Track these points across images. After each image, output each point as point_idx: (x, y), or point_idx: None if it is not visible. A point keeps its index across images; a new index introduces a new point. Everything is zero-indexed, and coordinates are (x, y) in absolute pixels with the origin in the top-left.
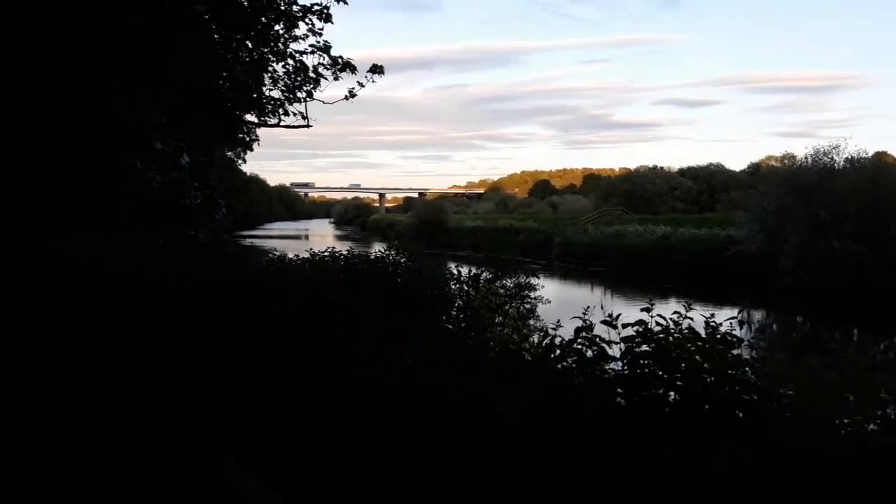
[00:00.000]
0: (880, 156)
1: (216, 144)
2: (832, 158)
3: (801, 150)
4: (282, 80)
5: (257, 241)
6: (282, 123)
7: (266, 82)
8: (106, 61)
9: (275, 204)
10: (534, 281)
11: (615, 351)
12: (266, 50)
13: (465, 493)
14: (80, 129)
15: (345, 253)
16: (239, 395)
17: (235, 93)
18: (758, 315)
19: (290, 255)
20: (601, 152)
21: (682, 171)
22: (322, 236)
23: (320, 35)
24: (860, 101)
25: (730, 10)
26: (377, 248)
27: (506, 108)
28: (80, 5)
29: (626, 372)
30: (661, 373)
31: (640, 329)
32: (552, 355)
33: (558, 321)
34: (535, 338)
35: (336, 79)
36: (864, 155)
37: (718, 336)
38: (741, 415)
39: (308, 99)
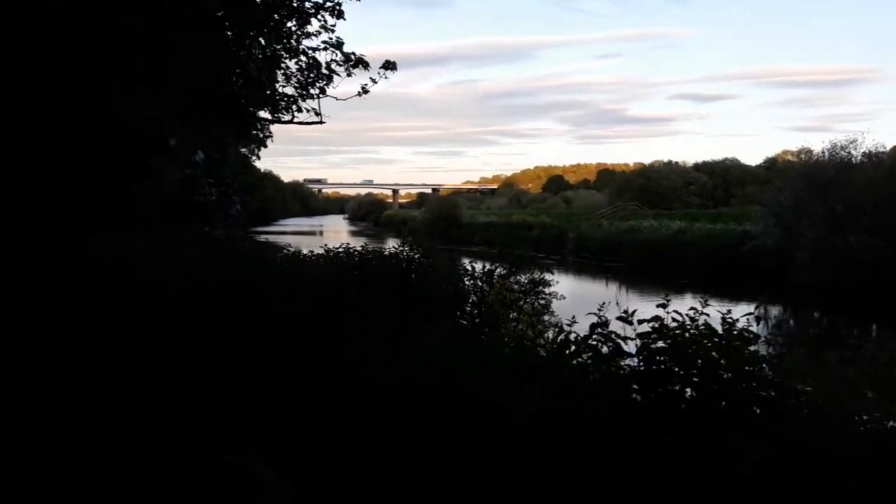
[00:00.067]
0: None
1: (230, 141)
2: (849, 152)
3: (818, 144)
4: (295, 76)
5: (272, 238)
6: (295, 120)
7: (279, 79)
8: (110, 61)
9: (289, 200)
10: (548, 276)
11: (631, 347)
12: (279, 47)
13: (478, 491)
14: (88, 128)
15: (359, 249)
16: (265, 395)
17: (249, 90)
18: (774, 310)
19: (305, 251)
20: (615, 147)
21: (697, 166)
22: (336, 232)
23: (333, 31)
24: (877, 94)
25: (744, 3)
26: (391, 244)
27: (519, 104)
28: (83, 5)
29: (642, 368)
30: (677, 369)
31: (656, 325)
32: (567, 351)
33: (573, 317)
34: (550, 334)
35: (349, 75)
36: (881, 149)
37: (735, 332)
38: (758, 411)
39: (321, 95)
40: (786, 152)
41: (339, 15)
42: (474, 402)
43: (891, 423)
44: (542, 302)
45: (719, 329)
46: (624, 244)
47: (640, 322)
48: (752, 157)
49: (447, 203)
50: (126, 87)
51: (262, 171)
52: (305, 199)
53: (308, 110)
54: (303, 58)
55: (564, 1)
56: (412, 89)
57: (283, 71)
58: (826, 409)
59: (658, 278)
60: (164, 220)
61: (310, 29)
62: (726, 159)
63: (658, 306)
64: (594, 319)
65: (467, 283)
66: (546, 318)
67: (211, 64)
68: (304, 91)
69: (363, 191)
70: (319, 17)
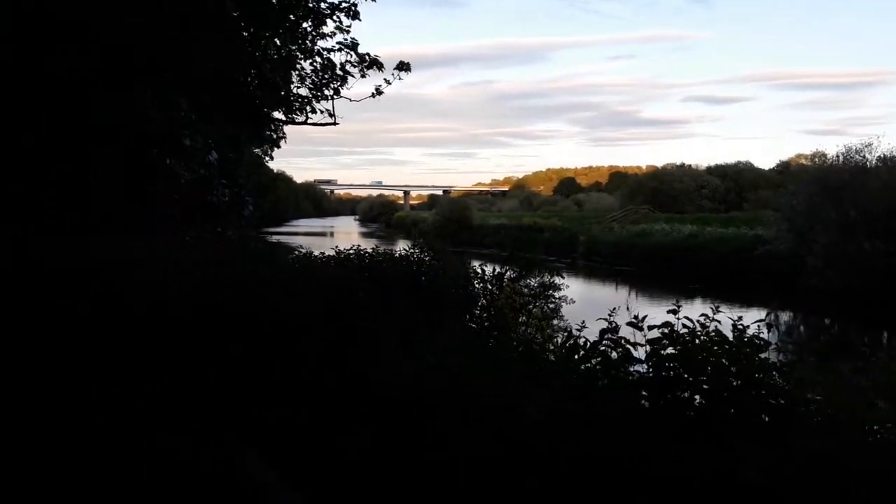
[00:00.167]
0: None
1: (244, 142)
2: (864, 157)
3: (832, 148)
4: (309, 77)
5: (284, 238)
6: (309, 121)
7: (294, 80)
8: (116, 61)
9: (301, 201)
10: (558, 280)
11: (640, 353)
12: (294, 48)
13: (484, 494)
14: (93, 128)
15: (369, 251)
16: (267, 396)
17: (263, 90)
18: (785, 316)
19: (316, 252)
20: (628, 149)
21: (709, 169)
22: (347, 233)
23: (348, 32)
24: (894, 97)
25: (758, 5)
26: (402, 246)
27: (532, 105)
28: (87, 4)
29: (651, 374)
30: (686, 376)
31: (666, 331)
32: (576, 356)
33: (583, 322)
34: (559, 338)
35: (363, 76)
36: None
37: (746, 339)
38: (768, 420)
39: (335, 96)
40: (799, 156)
41: (355, 16)
42: (484, 404)
43: None
44: (551, 306)
45: (730, 335)
46: (635, 248)
47: (651, 328)
48: (766, 160)
49: (458, 205)
50: (137, 88)
51: (275, 171)
52: (318, 200)
53: (322, 111)
54: (318, 59)
55: (578, 2)
56: (425, 90)
57: (297, 72)
58: (837, 418)
59: (669, 282)
60: (176, 221)
61: (325, 30)
62: (739, 162)
63: (668, 312)
64: (604, 324)
65: (477, 286)
66: (555, 322)
67: (226, 65)
68: (318, 92)
69: (374, 192)
70: (335, 17)
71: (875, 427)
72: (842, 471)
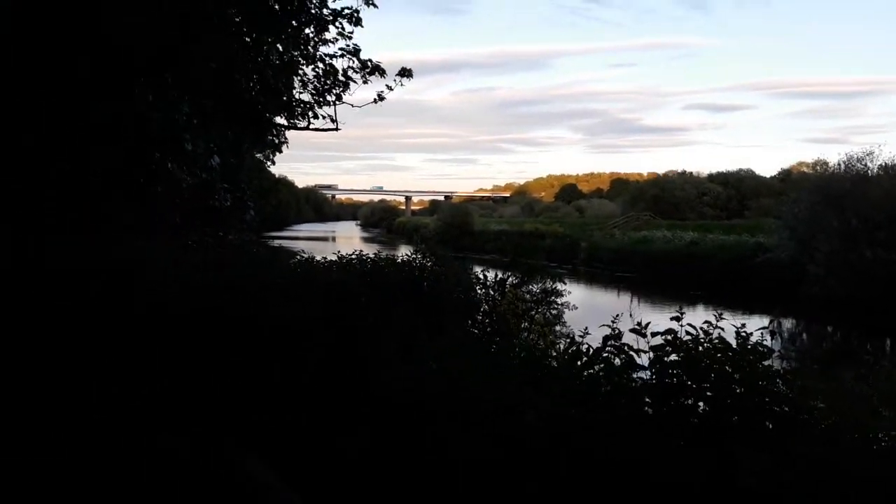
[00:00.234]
0: None
1: (246, 146)
2: (865, 165)
3: (834, 156)
4: (311, 83)
5: (286, 243)
6: (311, 126)
7: (296, 85)
8: (118, 63)
9: (303, 205)
10: (560, 286)
11: (643, 360)
12: (296, 53)
13: (483, 498)
14: (98, 129)
15: (371, 256)
16: (266, 399)
17: (266, 96)
18: (787, 324)
19: (318, 257)
20: (629, 157)
21: (711, 177)
22: (349, 238)
23: (350, 38)
24: (893, 106)
25: (759, 13)
26: (403, 251)
27: (533, 112)
28: (90, 5)
29: (655, 381)
30: (690, 383)
31: (670, 338)
32: (579, 362)
33: (586, 328)
34: (562, 345)
35: (365, 82)
36: None
37: (749, 346)
38: (771, 427)
39: (337, 102)
40: (801, 164)
41: (357, 22)
42: (484, 409)
43: None
44: (553, 312)
45: (733, 343)
46: (636, 254)
47: (654, 335)
48: (767, 168)
49: (459, 210)
50: (137, 88)
51: (276, 176)
52: (319, 205)
53: (324, 117)
54: (320, 64)
55: (580, 10)
56: (427, 96)
57: (300, 77)
58: (840, 425)
59: (670, 289)
60: (177, 224)
61: (327, 36)
62: (741, 170)
63: (672, 318)
64: (606, 331)
65: (479, 291)
66: (558, 328)
67: (227, 66)
68: (320, 98)
69: (375, 197)
70: (337, 24)
71: (880, 435)
72: (843, 478)
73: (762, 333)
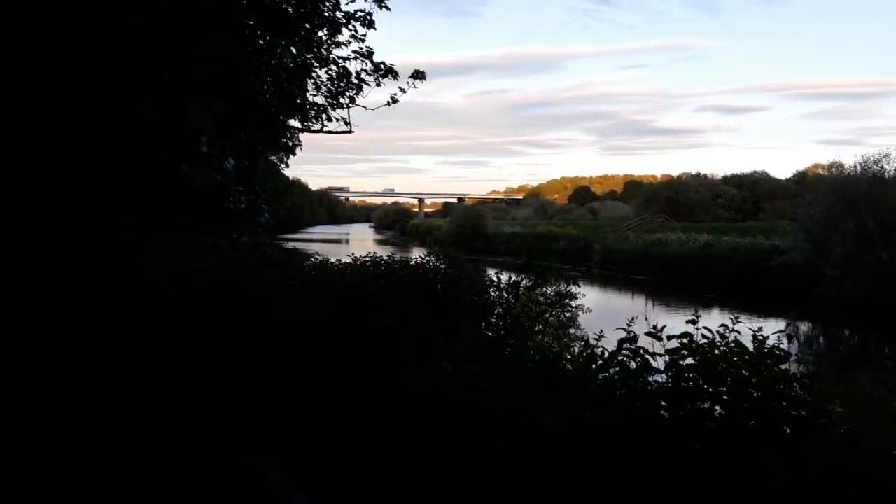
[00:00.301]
0: None
1: (260, 149)
2: (882, 167)
3: (849, 157)
4: (325, 85)
5: (300, 245)
6: (325, 129)
7: (309, 88)
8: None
9: (316, 208)
10: (574, 289)
11: (659, 363)
12: (310, 56)
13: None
14: (102, 128)
15: (385, 258)
16: (280, 400)
17: (279, 98)
18: (803, 327)
19: (332, 259)
20: (643, 158)
21: (725, 179)
22: (362, 240)
23: (363, 41)
24: None
25: (772, 14)
26: (417, 254)
27: (546, 114)
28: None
29: (671, 385)
30: (706, 386)
31: (686, 341)
32: (594, 366)
33: (601, 331)
34: (576, 348)
35: (378, 85)
36: None
37: (766, 350)
38: (788, 431)
39: (351, 105)
40: (816, 166)
41: (370, 25)
42: (500, 412)
43: None
44: (567, 315)
45: (749, 346)
46: (650, 257)
47: (670, 338)
48: (782, 170)
49: (473, 213)
50: (137, 88)
51: (290, 178)
52: (332, 207)
53: (337, 119)
54: (333, 67)
55: (592, 12)
56: (439, 99)
57: (313, 80)
58: (859, 430)
59: (684, 292)
60: (189, 225)
61: (340, 38)
62: (755, 172)
63: (688, 322)
64: (621, 334)
65: (493, 294)
66: (572, 331)
67: (230, 67)
68: (334, 100)
69: (388, 199)
70: (350, 26)
71: None
72: (862, 483)
73: (779, 337)
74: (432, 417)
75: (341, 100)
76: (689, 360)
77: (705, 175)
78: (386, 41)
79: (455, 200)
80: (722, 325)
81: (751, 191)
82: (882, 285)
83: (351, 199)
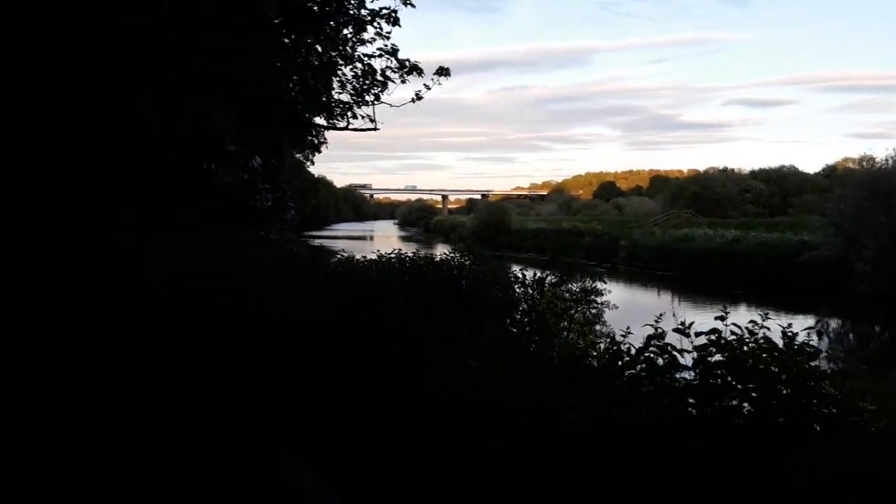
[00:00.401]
0: None
1: (286, 147)
2: None
3: (881, 151)
4: (350, 83)
5: (326, 242)
6: (350, 127)
7: (335, 86)
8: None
9: (341, 205)
10: (600, 285)
11: (686, 360)
12: (335, 54)
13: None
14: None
15: (410, 255)
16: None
17: (305, 97)
18: (833, 323)
19: (358, 256)
20: (669, 153)
21: (753, 174)
22: (387, 237)
23: (388, 38)
24: None
25: (800, 5)
26: (441, 250)
27: (570, 109)
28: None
29: (698, 382)
30: (734, 383)
31: (714, 338)
32: (620, 362)
33: (627, 328)
34: (602, 344)
35: (403, 82)
36: None
37: (796, 346)
38: (818, 429)
39: (376, 102)
40: (846, 160)
41: (395, 22)
42: (526, 409)
43: None
44: (593, 311)
45: (778, 342)
46: (677, 253)
47: (698, 334)
48: (811, 164)
49: (497, 209)
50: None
51: (316, 175)
52: (357, 204)
53: (363, 117)
54: (358, 65)
55: (615, 6)
56: (463, 95)
57: (338, 78)
58: (891, 428)
59: (712, 288)
60: (219, 224)
61: (365, 36)
62: (783, 167)
63: (716, 318)
64: (648, 330)
65: (517, 290)
66: (598, 327)
67: (281, 72)
68: (359, 98)
69: (412, 196)
70: (375, 24)
71: None
72: (893, 481)
73: (808, 333)
74: (456, 413)
75: (366, 97)
76: (718, 357)
77: (732, 170)
78: (410, 38)
79: (479, 197)
80: (751, 321)
81: (779, 185)
82: None
83: (375, 196)
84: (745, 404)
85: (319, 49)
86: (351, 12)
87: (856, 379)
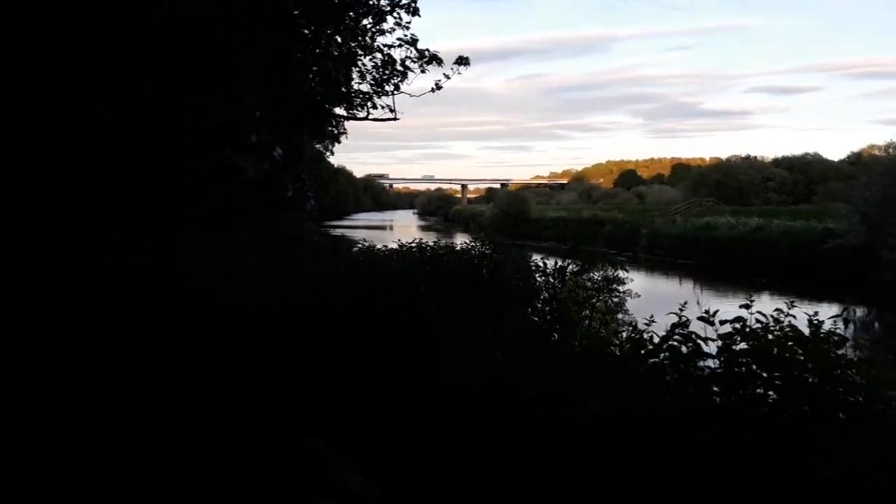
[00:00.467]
0: None
1: (306, 138)
2: None
3: None
4: (370, 73)
5: (346, 231)
6: (370, 117)
7: (354, 76)
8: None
9: (361, 195)
10: (622, 274)
11: (710, 348)
12: (354, 44)
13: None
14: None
15: (431, 244)
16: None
17: (325, 87)
18: (859, 312)
19: (379, 246)
20: (690, 141)
21: (776, 161)
22: (406, 227)
23: (407, 28)
24: None
25: None
26: (460, 240)
27: (590, 97)
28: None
29: (722, 370)
30: (760, 371)
31: (738, 326)
32: (643, 351)
33: (651, 317)
34: (625, 333)
35: (423, 72)
36: None
37: (822, 334)
38: (845, 417)
39: (395, 92)
40: (872, 146)
41: (414, 12)
42: (548, 397)
43: None
44: (615, 300)
45: (804, 331)
46: (699, 241)
47: (722, 323)
48: (836, 151)
49: (516, 198)
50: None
51: (335, 166)
52: (377, 194)
53: (382, 107)
54: (378, 55)
55: None
56: (482, 84)
57: (358, 68)
58: None
59: (734, 277)
60: (239, 217)
61: (385, 26)
62: (807, 154)
63: (741, 307)
64: (671, 319)
65: (538, 279)
66: (620, 316)
67: (289, 62)
68: (378, 88)
69: (431, 186)
70: (395, 14)
71: None
72: None
73: (835, 321)
74: (479, 404)
75: (386, 87)
76: (742, 345)
77: (755, 157)
78: (429, 27)
79: (498, 186)
80: (776, 309)
81: (803, 173)
82: None
83: (395, 185)
84: (770, 392)
85: (339, 40)
86: (370, 3)
87: (882, 367)
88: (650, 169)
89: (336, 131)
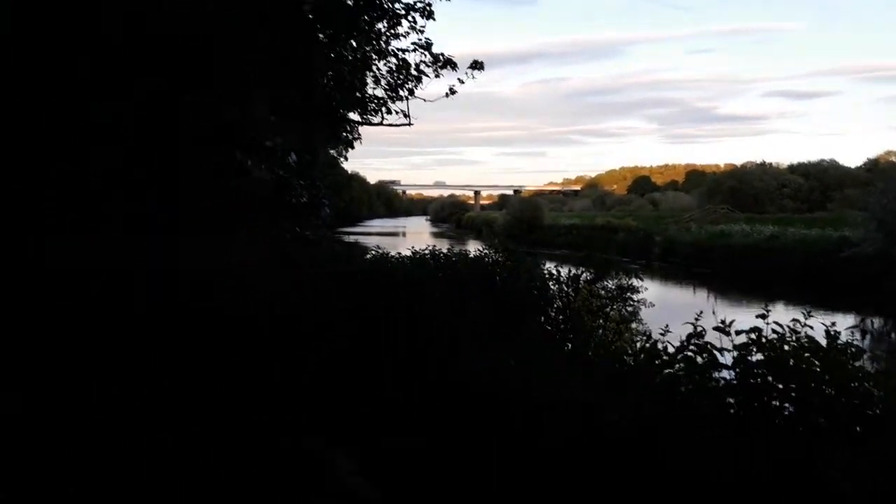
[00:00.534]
0: None
1: (321, 143)
2: None
3: None
4: (384, 78)
5: (360, 238)
6: (385, 122)
7: (369, 81)
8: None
9: (374, 201)
10: (636, 282)
11: (726, 359)
12: (369, 49)
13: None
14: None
15: (444, 252)
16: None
17: (340, 92)
18: (876, 322)
19: (392, 253)
20: (705, 147)
21: (792, 168)
22: (419, 233)
23: (422, 32)
24: None
25: None
26: (473, 246)
27: (605, 102)
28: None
29: (738, 381)
30: (775, 383)
31: (754, 337)
32: (657, 361)
33: (666, 326)
34: (639, 343)
35: (437, 76)
36: None
37: (840, 345)
38: (861, 430)
39: (410, 97)
40: (889, 153)
41: (429, 16)
42: (562, 406)
43: None
44: (629, 309)
45: (821, 341)
46: (714, 249)
47: (738, 333)
48: (852, 158)
49: (529, 205)
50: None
51: (349, 172)
52: (389, 200)
53: (396, 112)
54: (392, 59)
55: None
56: (496, 89)
57: (373, 73)
58: None
59: (749, 286)
60: (253, 221)
61: (399, 30)
62: (823, 160)
63: (757, 317)
64: (686, 329)
65: (552, 287)
66: (634, 325)
67: (319, 67)
68: (393, 93)
69: (444, 192)
70: (409, 18)
71: None
72: None
73: (852, 332)
74: (492, 411)
75: (401, 92)
76: (758, 356)
77: (770, 164)
78: (444, 30)
79: (511, 192)
80: (793, 319)
81: (818, 180)
82: None
83: (407, 192)
84: (787, 405)
85: (354, 44)
86: (385, 6)
87: None
88: (664, 175)
89: (350, 137)
